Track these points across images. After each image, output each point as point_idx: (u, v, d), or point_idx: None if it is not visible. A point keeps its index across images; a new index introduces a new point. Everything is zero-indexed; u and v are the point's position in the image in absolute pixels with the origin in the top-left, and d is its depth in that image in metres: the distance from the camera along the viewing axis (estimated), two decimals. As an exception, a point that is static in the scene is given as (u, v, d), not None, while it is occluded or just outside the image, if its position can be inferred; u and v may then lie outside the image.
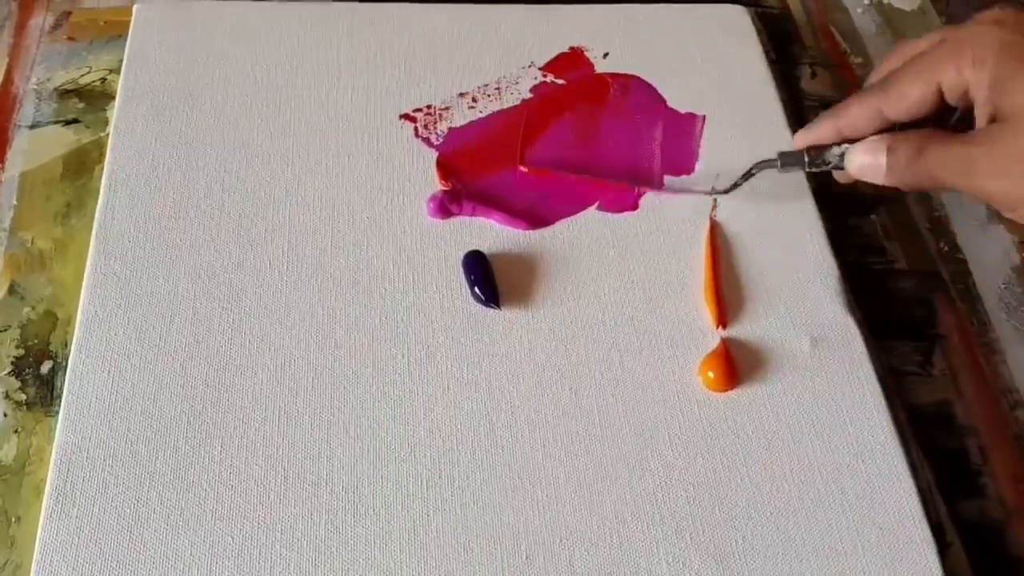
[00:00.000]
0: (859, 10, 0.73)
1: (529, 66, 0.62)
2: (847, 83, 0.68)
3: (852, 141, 0.47)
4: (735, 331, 0.52)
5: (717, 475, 0.47)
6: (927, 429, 0.52)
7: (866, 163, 0.46)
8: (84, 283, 0.50)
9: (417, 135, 0.58)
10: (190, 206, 0.54)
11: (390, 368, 0.49)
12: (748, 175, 0.53)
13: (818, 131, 0.49)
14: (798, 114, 0.64)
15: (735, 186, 0.54)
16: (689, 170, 0.58)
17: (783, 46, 0.69)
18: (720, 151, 0.59)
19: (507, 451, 0.47)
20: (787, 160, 0.51)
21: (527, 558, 0.44)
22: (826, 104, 0.66)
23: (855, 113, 0.47)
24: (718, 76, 0.63)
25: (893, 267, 0.59)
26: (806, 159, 0.50)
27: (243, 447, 0.46)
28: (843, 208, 0.60)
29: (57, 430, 0.46)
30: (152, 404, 0.47)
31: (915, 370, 0.54)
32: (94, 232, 0.52)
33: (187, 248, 0.52)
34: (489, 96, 0.61)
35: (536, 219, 0.55)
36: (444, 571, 0.44)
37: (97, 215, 0.53)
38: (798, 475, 0.47)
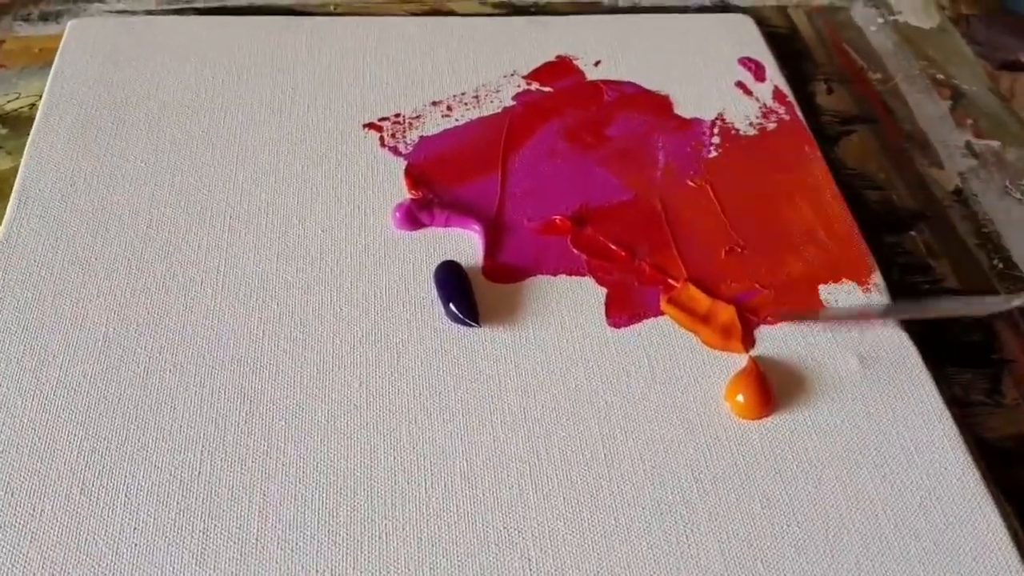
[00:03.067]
0: (873, 28, 0.67)
1: (512, 75, 0.55)
2: (867, 99, 0.61)
3: None
4: (765, 348, 0.43)
5: (756, 520, 0.37)
6: (1004, 466, 0.42)
7: None
8: (-25, 310, 0.42)
9: (383, 144, 0.51)
10: (111, 223, 0.46)
11: (344, 399, 0.40)
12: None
13: None
14: (819, 130, 0.56)
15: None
16: (698, 174, 0.50)
17: (795, 64, 0.62)
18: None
19: (490, 499, 0.37)
20: None
21: (517, 630, 0.34)
22: (847, 120, 0.59)
23: None
24: (726, 83, 0.56)
25: (943, 286, 0.50)
26: None
27: (154, 499, 0.36)
28: (877, 223, 0.52)
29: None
30: (46, 455, 0.37)
31: (982, 399, 0.45)
32: (-7, 252, 0.44)
33: (103, 269, 0.44)
34: (466, 104, 0.53)
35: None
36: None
37: (0, 233, 0.45)
38: (858, 517, 0.37)
